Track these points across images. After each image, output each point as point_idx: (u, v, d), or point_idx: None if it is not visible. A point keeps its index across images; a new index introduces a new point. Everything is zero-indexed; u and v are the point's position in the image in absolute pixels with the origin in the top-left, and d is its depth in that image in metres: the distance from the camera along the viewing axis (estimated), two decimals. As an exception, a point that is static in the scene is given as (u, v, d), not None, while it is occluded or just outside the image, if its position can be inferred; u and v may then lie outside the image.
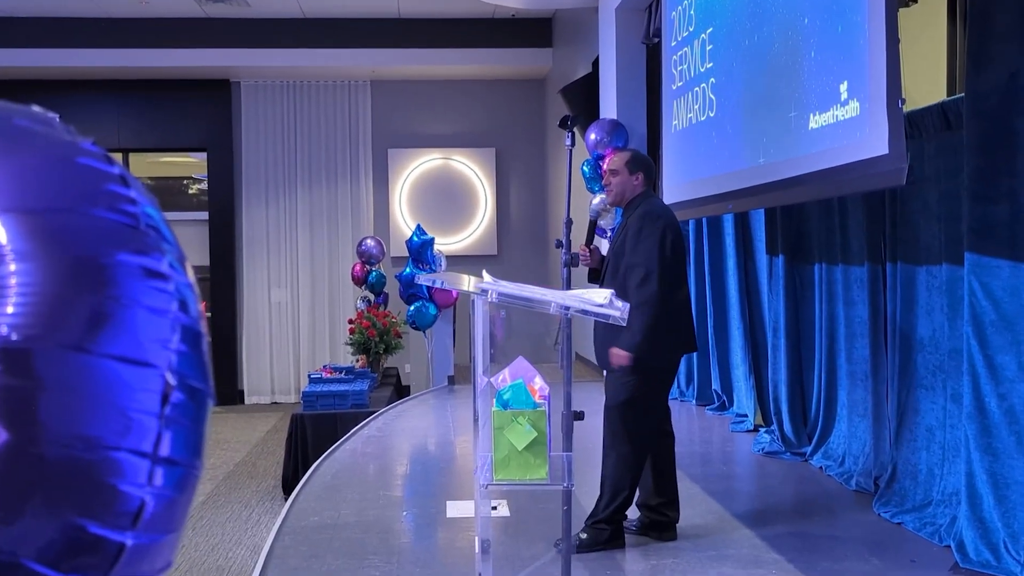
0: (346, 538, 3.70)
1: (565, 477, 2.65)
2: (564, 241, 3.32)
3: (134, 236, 0.66)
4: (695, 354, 6.52)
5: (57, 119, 0.70)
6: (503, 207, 10.60)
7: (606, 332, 3.43)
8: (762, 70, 4.53)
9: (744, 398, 5.79)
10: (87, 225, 0.64)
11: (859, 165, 3.44)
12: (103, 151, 0.69)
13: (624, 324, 2.58)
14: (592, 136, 6.67)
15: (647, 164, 3.65)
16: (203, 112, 10.08)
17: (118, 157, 10.00)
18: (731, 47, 4.82)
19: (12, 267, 0.62)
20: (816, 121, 3.90)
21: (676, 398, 6.77)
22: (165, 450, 0.66)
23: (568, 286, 3.23)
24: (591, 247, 3.69)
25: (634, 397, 3.41)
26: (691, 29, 5.45)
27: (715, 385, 6.22)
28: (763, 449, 5.05)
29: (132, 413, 0.64)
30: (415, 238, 7.75)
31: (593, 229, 3.78)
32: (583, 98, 7.48)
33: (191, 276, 0.72)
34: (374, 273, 8.69)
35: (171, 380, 0.67)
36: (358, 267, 8.59)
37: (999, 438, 3.22)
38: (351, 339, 7.81)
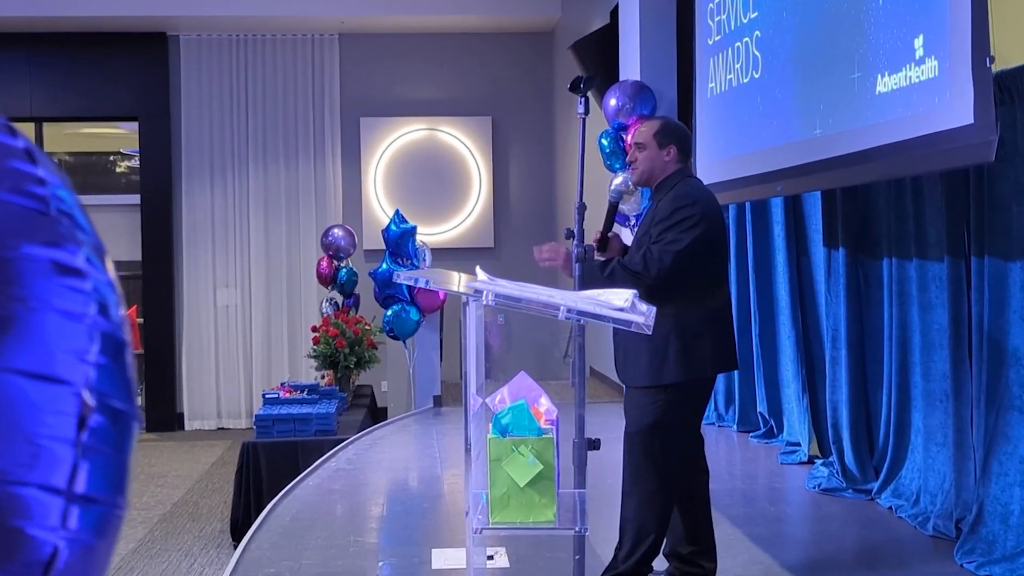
0: (308, 594, 3.71)
1: (577, 520, 2.65)
2: (576, 231, 3.32)
3: (43, 224, 0.66)
4: (736, 373, 6.52)
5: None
6: (501, 189, 10.60)
7: (629, 342, 3.44)
8: (819, 21, 4.53)
9: (796, 423, 5.79)
10: (-15, 210, 0.64)
11: (938, 137, 3.44)
12: (5, 120, 0.69)
13: (649, 332, 2.58)
14: (612, 102, 6.67)
15: (682, 135, 3.63)
16: (133, 73, 10.08)
17: (29, 128, 10.05)
18: (780, -7, 4.83)
19: None
20: (885, 84, 3.90)
21: (712, 423, 6.77)
22: (82, 485, 0.66)
23: (582, 286, 3.23)
24: (608, 235, 3.68)
25: (661, 421, 3.42)
26: (731, -29, 5.45)
27: (761, 407, 6.22)
28: (820, 485, 5.05)
29: (41, 440, 0.64)
30: (393, 227, 7.75)
31: (613, 214, 3.77)
32: (599, 55, 7.49)
33: (113, 273, 0.72)
34: (344, 270, 8.69)
35: (89, 400, 0.66)
36: (325, 262, 8.60)
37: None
38: (315, 351, 7.82)
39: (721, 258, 3.54)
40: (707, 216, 3.44)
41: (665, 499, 3.47)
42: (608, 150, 6.68)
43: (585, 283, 3.24)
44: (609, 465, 3.77)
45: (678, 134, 3.61)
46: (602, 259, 3.49)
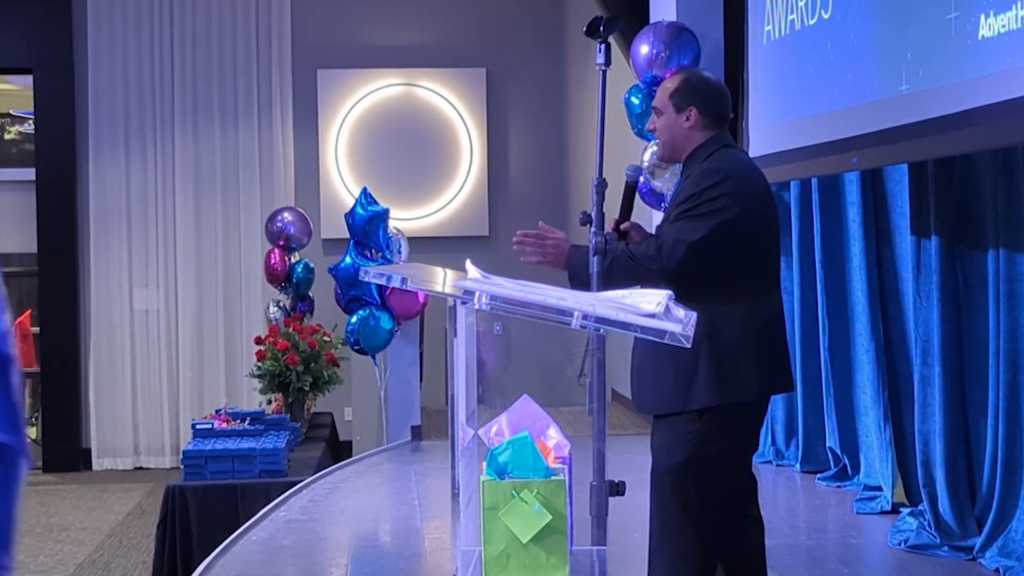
0: None
1: (595, 585, 2.65)
2: (594, 215, 3.32)
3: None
4: (799, 396, 6.53)
5: None
6: (498, 162, 10.59)
7: (649, 359, 3.43)
8: (905, -55, 4.53)
9: (877, 461, 5.78)
10: None
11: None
12: None
13: (688, 344, 2.58)
14: (644, 49, 6.66)
15: (709, 93, 3.60)
16: (27, 16, 10.07)
17: None
18: (856, -91, 4.84)
19: None
20: (990, 26, 3.89)
21: (769, 461, 6.76)
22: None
23: (601, 286, 3.23)
24: (625, 225, 3.67)
25: (697, 458, 3.41)
26: None
27: (831, 441, 6.21)
28: (907, 541, 5.04)
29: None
30: (360, 210, 7.74)
31: (632, 197, 3.75)
32: (623, -10, 7.48)
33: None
34: (300, 265, 8.68)
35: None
36: (276, 256, 8.60)
37: None
38: (259, 368, 7.81)
39: (766, 251, 3.54)
40: (744, 196, 3.43)
41: (704, 558, 3.46)
42: (639, 111, 6.67)
43: (606, 282, 3.24)
44: (636, 515, 3.74)
45: (702, 92, 3.58)
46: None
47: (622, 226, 3.66)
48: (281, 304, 8.61)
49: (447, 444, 2.74)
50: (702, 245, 3.34)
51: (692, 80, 3.63)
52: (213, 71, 10.22)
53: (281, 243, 8.62)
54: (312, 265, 8.74)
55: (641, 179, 3.69)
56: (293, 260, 8.61)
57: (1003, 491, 4.74)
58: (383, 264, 7.51)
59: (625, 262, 3.40)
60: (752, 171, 3.56)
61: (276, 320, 8.37)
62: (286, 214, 8.77)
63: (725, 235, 3.37)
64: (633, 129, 6.79)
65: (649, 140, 6.63)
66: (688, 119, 3.55)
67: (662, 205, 6.73)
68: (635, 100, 6.71)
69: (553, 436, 2.69)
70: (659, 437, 3.49)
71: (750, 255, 3.45)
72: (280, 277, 8.60)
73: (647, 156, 6.55)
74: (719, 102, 3.60)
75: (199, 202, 10.18)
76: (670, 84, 3.62)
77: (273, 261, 8.59)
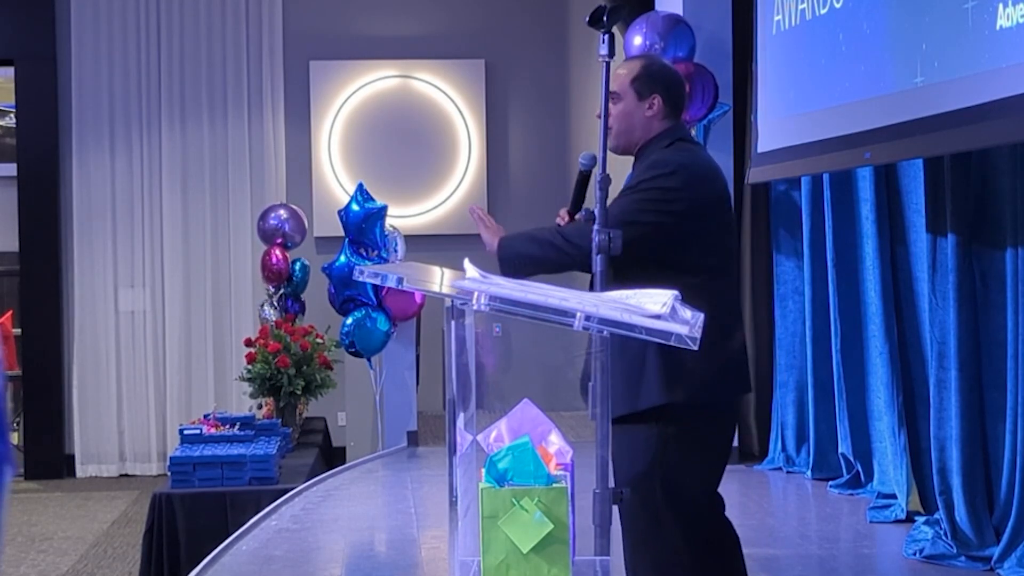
0: None
1: (599, 597, 2.65)
2: (597, 211, 3.32)
3: None
4: (810, 400, 6.53)
5: None
6: (497, 156, 10.60)
7: (599, 360, 3.40)
8: (920, -68, 4.54)
9: (891, 467, 5.79)
10: None
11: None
12: None
13: (695, 346, 2.58)
14: (637, 40, 6.67)
15: (672, 82, 3.58)
16: (8, 4, 10.07)
17: None
18: None
19: None
20: (1008, 16, 3.89)
21: (778, 467, 6.75)
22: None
23: (603, 286, 3.23)
24: (578, 216, 3.67)
25: (662, 466, 3.38)
26: None
27: (843, 447, 6.22)
28: (922, 551, 5.04)
29: None
30: (355, 207, 7.75)
31: (583, 188, 3.76)
32: (628, -21, 7.49)
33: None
34: (298, 264, 8.68)
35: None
36: (277, 255, 8.60)
37: None
38: (249, 371, 7.81)
39: (718, 246, 3.50)
40: (693, 192, 3.41)
41: (687, 563, 3.45)
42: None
43: (609, 283, 3.23)
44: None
45: (666, 80, 3.55)
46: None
47: (576, 216, 3.67)
48: (277, 301, 8.61)
49: (444, 450, 2.74)
50: (638, 231, 3.31)
51: (655, 65, 3.61)
52: (201, 63, 10.21)
53: (279, 241, 8.63)
54: (308, 265, 8.75)
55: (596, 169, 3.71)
56: (292, 260, 8.64)
57: (1022, 499, 4.75)
58: (379, 263, 7.51)
59: (550, 235, 3.44)
60: (707, 169, 3.54)
61: (269, 320, 8.36)
62: (281, 211, 8.78)
63: (670, 228, 3.38)
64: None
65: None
66: (651, 107, 3.53)
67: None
68: (636, 93, 6.71)
69: (555, 442, 2.69)
70: (616, 445, 3.37)
71: (697, 251, 3.42)
72: (283, 276, 8.60)
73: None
74: (681, 92, 3.59)
75: (187, 199, 10.17)
76: (630, 69, 3.58)
77: (275, 260, 8.59)
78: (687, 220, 3.39)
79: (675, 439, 3.38)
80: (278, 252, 8.60)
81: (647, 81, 3.53)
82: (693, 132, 6.61)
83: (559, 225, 3.57)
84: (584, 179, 3.71)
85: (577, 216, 3.65)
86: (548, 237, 3.48)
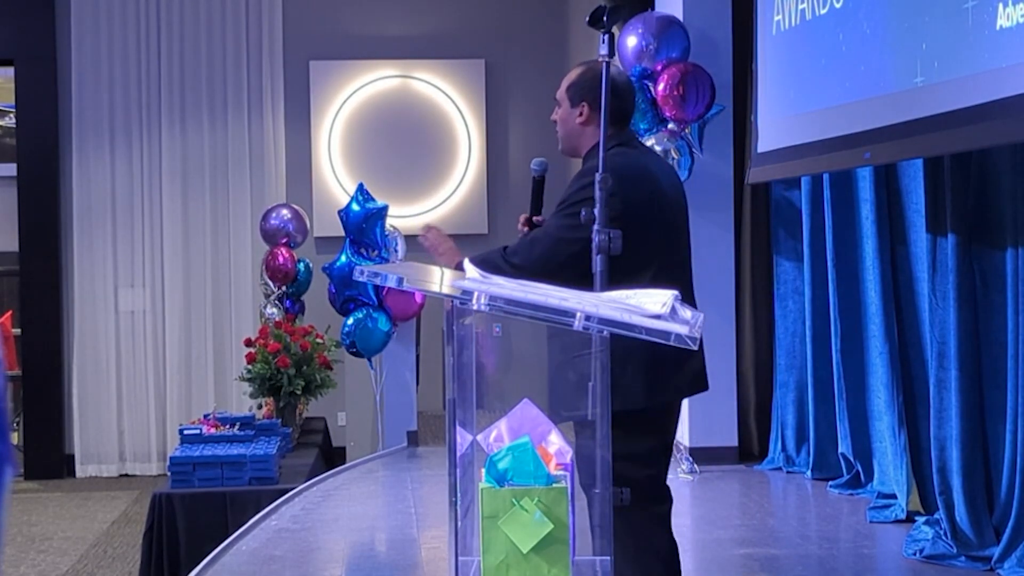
0: None
1: (599, 597, 2.65)
2: (597, 212, 3.32)
3: None
4: (810, 400, 6.53)
5: None
6: (497, 156, 10.60)
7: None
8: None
9: (891, 467, 5.79)
10: None
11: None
12: None
13: (694, 346, 2.58)
14: (631, 41, 6.68)
15: (602, 89, 3.47)
16: (8, 4, 10.07)
17: None
18: None
19: None
20: (1008, 16, 3.89)
21: (778, 467, 6.75)
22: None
23: (605, 284, 3.23)
24: (535, 220, 3.74)
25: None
26: None
27: (843, 447, 6.22)
28: (922, 551, 5.04)
29: None
30: (355, 207, 7.75)
31: (540, 192, 3.81)
32: (628, -21, 7.49)
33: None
34: (303, 265, 8.69)
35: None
36: (285, 255, 8.60)
37: None
38: (249, 371, 7.81)
39: (651, 253, 3.52)
40: (620, 198, 3.39)
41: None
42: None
43: (610, 283, 3.23)
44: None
45: (595, 87, 3.46)
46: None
47: (535, 219, 3.72)
48: (280, 299, 8.60)
49: (444, 450, 2.74)
50: (569, 242, 3.39)
51: (589, 73, 3.64)
52: (201, 63, 10.21)
53: (284, 241, 8.63)
54: (311, 265, 8.76)
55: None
56: (296, 260, 8.66)
57: (1022, 499, 4.75)
58: (379, 263, 7.51)
59: (497, 258, 3.47)
60: (637, 170, 3.56)
61: (272, 320, 8.36)
62: (283, 211, 8.78)
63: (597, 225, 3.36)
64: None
65: (641, 136, 6.65)
66: (581, 114, 3.61)
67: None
68: (628, 94, 6.71)
69: (555, 442, 2.69)
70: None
71: (628, 256, 3.37)
72: (291, 276, 8.60)
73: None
74: (618, 101, 3.57)
75: (187, 199, 10.17)
76: (570, 76, 3.68)
77: (282, 260, 8.60)
78: (616, 224, 3.36)
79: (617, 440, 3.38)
80: (284, 252, 8.61)
81: (577, 89, 3.63)
82: (688, 132, 6.63)
83: (504, 248, 3.61)
84: (538, 185, 3.78)
85: (535, 219, 3.73)
86: (495, 260, 3.49)
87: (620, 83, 3.68)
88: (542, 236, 3.51)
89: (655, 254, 3.54)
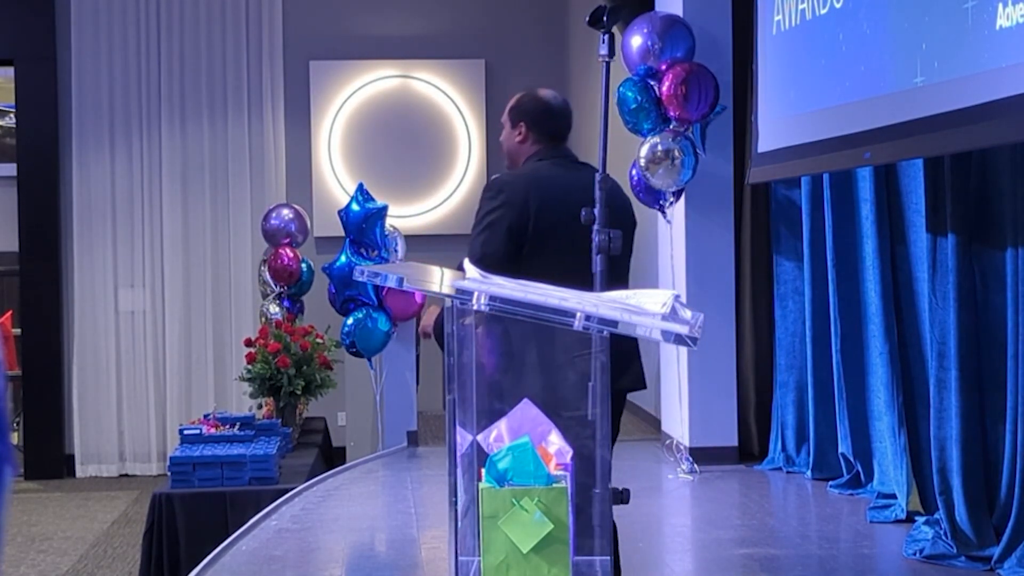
0: None
1: (599, 597, 2.65)
2: (597, 212, 3.32)
3: None
4: (810, 400, 6.53)
5: None
6: (497, 156, 10.55)
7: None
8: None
9: (891, 467, 5.78)
10: None
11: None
12: None
13: (694, 346, 2.58)
14: (636, 41, 6.67)
15: (539, 112, 3.94)
16: (8, 4, 10.07)
17: None
18: None
19: None
20: (1008, 16, 3.89)
21: (778, 467, 6.75)
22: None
23: (605, 285, 3.23)
24: None
25: None
26: None
27: (843, 447, 6.22)
28: (922, 550, 5.04)
29: None
30: (355, 207, 7.74)
31: None
32: (628, -21, 7.49)
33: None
34: (305, 265, 8.68)
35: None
36: (289, 255, 8.59)
37: None
38: (249, 371, 7.81)
39: (552, 254, 3.65)
40: (513, 206, 3.68)
41: None
42: (633, 105, 6.67)
43: (609, 283, 3.23)
44: (642, 523, 3.76)
45: (532, 111, 3.94)
46: None
47: None
48: (281, 298, 8.60)
49: (445, 450, 2.74)
50: (483, 258, 3.52)
51: (524, 99, 4.00)
52: (201, 62, 10.21)
53: (286, 240, 8.63)
54: (313, 266, 8.76)
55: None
56: (299, 260, 8.66)
57: (1022, 499, 4.74)
58: (379, 263, 7.51)
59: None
60: (530, 178, 3.79)
61: (273, 319, 8.36)
62: (284, 211, 8.78)
63: (503, 241, 3.66)
64: (627, 125, 6.77)
65: (643, 136, 6.65)
66: (519, 134, 3.93)
67: (664, 202, 6.74)
68: (630, 94, 6.68)
69: (555, 442, 2.69)
70: None
71: (531, 259, 3.65)
72: (295, 276, 8.60)
73: (643, 151, 6.56)
74: (552, 122, 3.95)
75: (187, 199, 10.18)
76: (510, 101, 4.04)
77: (286, 260, 8.60)
78: (514, 230, 3.68)
79: None
80: (289, 252, 8.60)
81: (516, 112, 3.97)
82: (690, 132, 6.62)
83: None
84: None
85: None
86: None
87: (555, 105, 4.01)
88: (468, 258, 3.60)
89: (546, 259, 3.69)
